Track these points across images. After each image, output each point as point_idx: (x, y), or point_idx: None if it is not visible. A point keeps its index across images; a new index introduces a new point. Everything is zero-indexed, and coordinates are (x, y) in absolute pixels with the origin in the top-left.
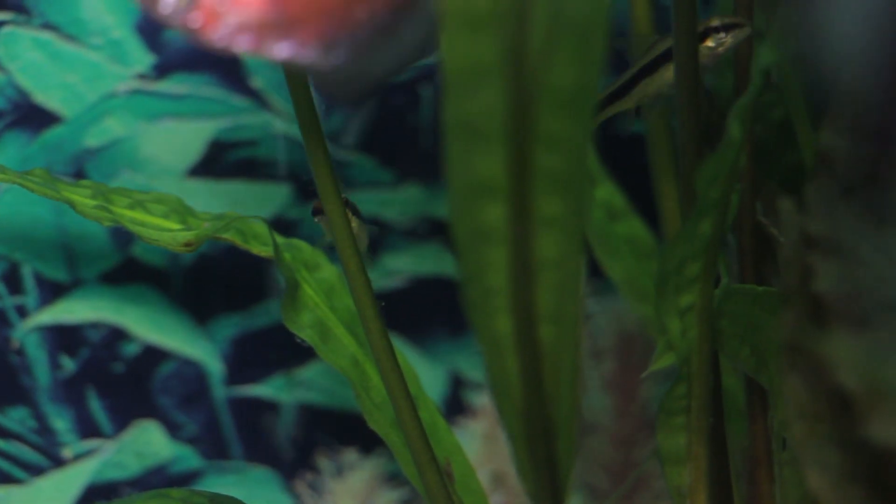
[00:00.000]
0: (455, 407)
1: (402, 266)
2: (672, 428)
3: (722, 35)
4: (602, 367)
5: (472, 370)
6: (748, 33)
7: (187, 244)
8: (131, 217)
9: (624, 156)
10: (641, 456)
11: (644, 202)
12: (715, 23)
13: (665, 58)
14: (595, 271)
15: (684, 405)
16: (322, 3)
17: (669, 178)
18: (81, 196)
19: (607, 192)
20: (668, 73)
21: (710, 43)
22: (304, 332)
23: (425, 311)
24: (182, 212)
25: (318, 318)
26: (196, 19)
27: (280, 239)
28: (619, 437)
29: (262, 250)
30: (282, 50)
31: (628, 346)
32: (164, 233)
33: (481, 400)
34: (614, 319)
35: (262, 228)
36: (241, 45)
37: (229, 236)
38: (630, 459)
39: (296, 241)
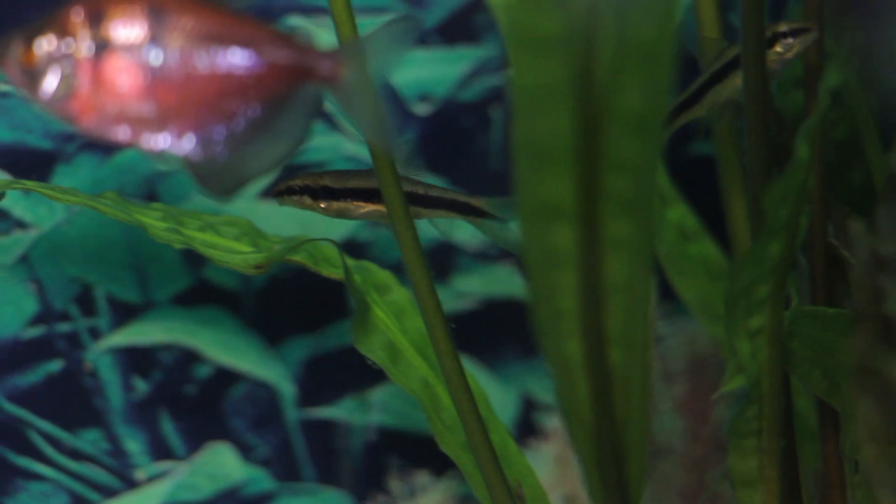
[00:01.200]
0: (527, 429)
1: (472, 288)
2: (743, 450)
3: (790, 40)
4: (674, 389)
5: (544, 392)
6: (815, 38)
7: (258, 266)
8: (202, 239)
9: (694, 176)
10: (713, 478)
11: (714, 223)
12: (783, 28)
13: (734, 64)
14: (666, 294)
15: (755, 427)
16: (198, 97)
17: (739, 199)
18: (153, 218)
19: (680, 213)
20: (737, 80)
21: (778, 48)
22: (374, 354)
23: (496, 334)
24: (253, 234)
25: (388, 341)
26: (73, 108)
27: (350, 261)
28: (691, 460)
29: (332, 272)
30: (157, 142)
31: (700, 369)
32: (234, 255)
33: (553, 422)
34: (686, 342)
35: (332, 251)
36: (117, 136)
37: (300, 259)
38: (702, 482)
39: (366, 264)
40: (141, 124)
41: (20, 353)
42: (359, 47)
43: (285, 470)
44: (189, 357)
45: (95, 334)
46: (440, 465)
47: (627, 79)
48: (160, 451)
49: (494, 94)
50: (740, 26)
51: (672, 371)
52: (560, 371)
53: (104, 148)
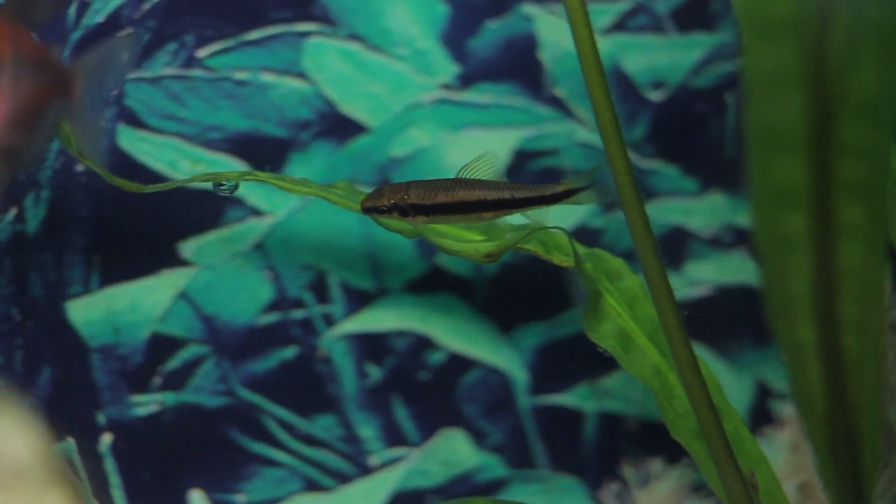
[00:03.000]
0: (761, 417)
1: (705, 275)
2: None
3: None
4: None
5: (779, 380)
6: None
7: (489, 255)
8: (434, 228)
9: None
10: None
11: None
12: None
13: None
14: None
15: None
16: None
17: None
18: None
19: None
20: None
21: None
22: (605, 341)
23: (729, 320)
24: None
25: (619, 328)
26: None
27: (581, 249)
28: None
29: (563, 260)
30: None
31: None
32: (465, 244)
33: (788, 410)
34: None
35: (563, 239)
36: None
37: (531, 247)
38: None
39: (597, 251)
40: None
41: (255, 340)
42: (90, 64)
43: (518, 457)
44: (422, 343)
45: (329, 321)
46: (674, 452)
47: (861, 63)
48: (393, 437)
49: (729, 81)
50: None
51: None
52: (793, 357)
53: (338, 136)
